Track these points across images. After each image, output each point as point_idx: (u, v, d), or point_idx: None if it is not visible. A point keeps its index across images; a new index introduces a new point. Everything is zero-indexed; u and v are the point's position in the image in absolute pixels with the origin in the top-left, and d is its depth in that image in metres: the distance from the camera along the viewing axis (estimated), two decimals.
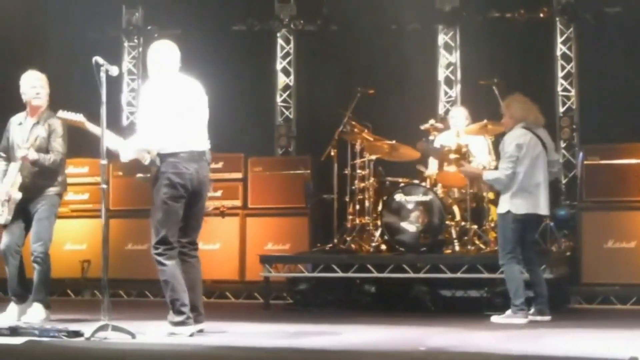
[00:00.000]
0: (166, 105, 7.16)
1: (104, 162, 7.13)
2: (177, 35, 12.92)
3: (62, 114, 8.00)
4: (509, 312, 8.50)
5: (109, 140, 7.26)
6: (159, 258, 7.17)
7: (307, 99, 13.00)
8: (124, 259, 11.38)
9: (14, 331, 6.93)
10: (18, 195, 8.33)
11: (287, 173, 11.71)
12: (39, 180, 8.40)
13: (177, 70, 7.46)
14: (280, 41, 13.16)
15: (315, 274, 10.11)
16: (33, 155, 8.24)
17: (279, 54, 13.16)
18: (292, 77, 13.14)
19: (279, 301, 10.62)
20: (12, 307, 8.47)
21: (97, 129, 7.62)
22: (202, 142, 7.38)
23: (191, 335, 7.10)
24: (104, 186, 7.20)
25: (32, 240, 8.38)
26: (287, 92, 13.13)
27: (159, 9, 13.03)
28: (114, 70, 7.15)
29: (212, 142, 12.03)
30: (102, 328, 6.76)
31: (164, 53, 7.46)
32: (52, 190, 8.46)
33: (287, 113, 13.10)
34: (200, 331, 7.26)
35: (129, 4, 13.43)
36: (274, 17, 13.05)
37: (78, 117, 7.91)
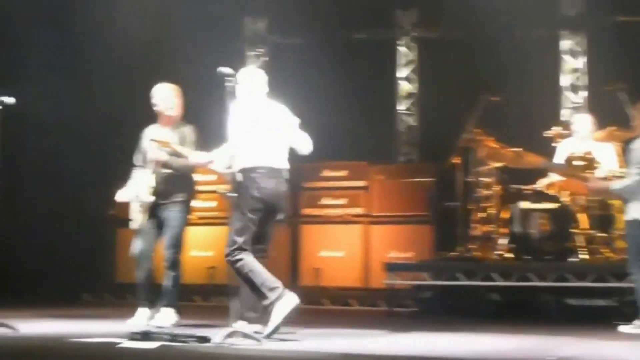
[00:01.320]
0: (251, 125, 7.61)
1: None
2: (300, 45, 13.12)
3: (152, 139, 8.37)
4: (637, 322, 8.31)
5: (200, 156, 7.92)
6: (235, 261, 7.50)
7: (430, 107, 12.95)
8: None
9: (146, 336, 7.06)
10: (149, 199, 8.52)
11: (411, 181, 11.70)
12: (170, 186, 8.54)
13: (264, 94, 7.92)
14: (401, 49, 13.16)
15: (440, 282, 10.07)
16: (163, 156, 8.44)
17: (401, 62, 13.16)
18: (414, 84, 13.12)
19: (402, 309, 10.60)
20: (142, 312, 8.65)
21: (183, 149, 8.26)
22: (281, 160, 7.76)
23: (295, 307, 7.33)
24: (232, 194, 7.28)
25: (165, 247, 8.53)
26: (410, 100, 13.12)
27: (282, 19, 13.19)
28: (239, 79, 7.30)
29: (335, 150, 12.26)
30: (231, 334, 6.86)
31: (253, 80, 7.92)
32: (183, 196, 8.58)
33: (409, 121, 13.09)
34: (257, 333, 7.30)
35: (252, 14, 13.64)
36: (396, 25, 13.07)
37: (166, 139, 8.32)
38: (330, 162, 12.09)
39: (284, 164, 7.81)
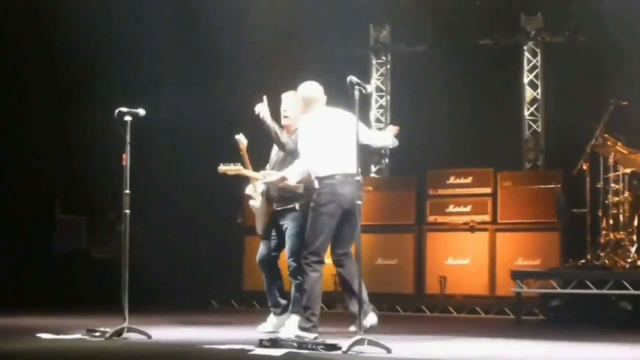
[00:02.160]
0: (321, 135, 7.92)
1: (358, 178, 7.27)
2: (424, 52, 13.10)
3: (222, 167, 8.61)
4: None
5: (271, 175, 8.26)
6: (306, 268, 7.82)
7: (556, 112, 12.78)
8: (375, 273, 11.51)
9: (274, 343, 7.15)
10: (255, 204, 8.63)
11: (537, 187, 11.57)
12: (285, 193, 8.47)
13: (324, 104, 8.14)
14: (526, 54, 13.02)
15: (568, 290, 9.91)
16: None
17: (526, 67, 13.02)
18: (539, 90, 12.96)
19: (530, 317, 10.48)
20: (271, 318, 8.74)
21: (253, 173, 8.58)
22: (352, 166, 7.75)
23: (315, 338, 7.52)
24: (359, 202, 7.30)
25: (287, 255, 8.56)
26: (535, 105, 12.97)
27: (406, 26, 13.20)
28: (368, 88, 7.33)
29: (460, 157, 12.18)
30: (359, 342, 6.87)
31: (312, 93, 8.14)
32: (300, 203, 8.49)
33: (534, 126, 12.93)
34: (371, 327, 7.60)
35: (376, 22, 13.70)
36: (520, 30, 12.94)
37: (235, 167, 8.59)
38: (455, 169, 12.06)
39: (356, 169, 7.82)
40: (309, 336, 7.60)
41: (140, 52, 12.45)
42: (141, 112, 8.14)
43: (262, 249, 8.76)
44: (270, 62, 12.58)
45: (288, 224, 8.56)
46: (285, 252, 8.62)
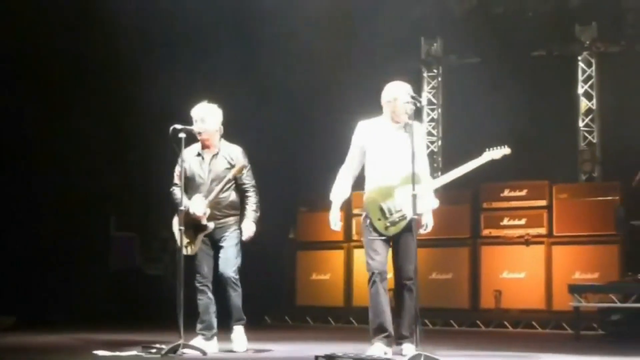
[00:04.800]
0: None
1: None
2: (476, 64, 13.00)
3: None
4: None
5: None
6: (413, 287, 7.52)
7: (612, 123, 12.61)
8: (429, 287, 11.39)
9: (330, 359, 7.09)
10: (210, 225, 8.22)
11: (595, 199, 11.40)
12: (226, 210, 8.31)
13: None
14: (581, 64, 12.87)
15: (628, 304, 9.73)
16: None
17: (580, 77, 12.87)
18: (594, 100, 12.80)
19: (589, 332, 10.31)
20: (198, 340, 8.15)
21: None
22: None
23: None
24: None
25: (222, 267, 8.21)
26: (590, 116, 12.80)
27: (458, 39, 13.10)
28: (422, 102, 7.25)
29: (514, 169, 12.05)
30: (415, 358, 6.77)
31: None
32: (238, 219, 8.37)
33: (590, 138, 12.77)
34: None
35: (427, 35, 13.63)
36: (575, 41, 12.79)
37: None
38: (510, 182, 11.93)
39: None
40: None
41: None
42: (195, 129, 8.13)
43: (200, 269, 8.28)
44: (321, 75, 12.56)
45: (225, 236, 8.27)
46: (221, 263, 8.24)
